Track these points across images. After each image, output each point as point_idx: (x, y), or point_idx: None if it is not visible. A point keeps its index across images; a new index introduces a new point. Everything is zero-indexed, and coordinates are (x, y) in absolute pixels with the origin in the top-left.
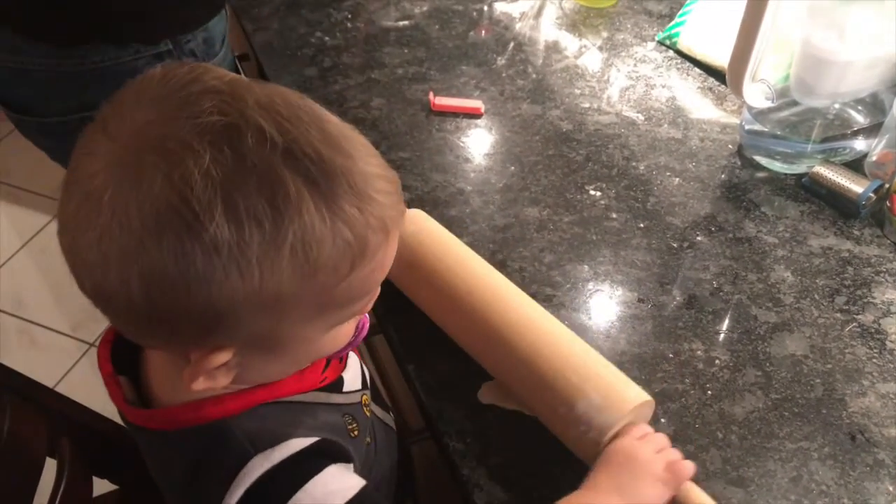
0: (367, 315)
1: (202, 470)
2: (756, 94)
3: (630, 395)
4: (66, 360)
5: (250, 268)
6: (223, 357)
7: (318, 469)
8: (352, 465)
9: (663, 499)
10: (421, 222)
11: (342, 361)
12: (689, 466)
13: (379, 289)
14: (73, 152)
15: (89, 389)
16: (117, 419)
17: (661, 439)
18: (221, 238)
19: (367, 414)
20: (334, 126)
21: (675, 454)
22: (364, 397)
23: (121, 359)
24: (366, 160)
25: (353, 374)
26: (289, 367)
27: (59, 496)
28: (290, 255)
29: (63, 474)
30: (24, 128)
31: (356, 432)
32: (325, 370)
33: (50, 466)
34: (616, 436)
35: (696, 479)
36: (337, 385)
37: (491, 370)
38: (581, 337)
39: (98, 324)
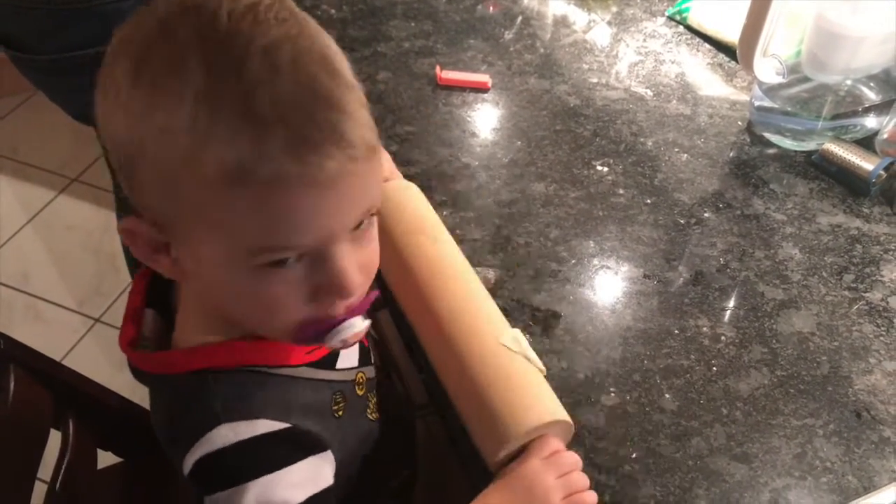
0: (357, 320)
1: (178, 417)
2: (767, 69)
3: (526, 419)
4: (71, 335)
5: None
6: (136, 224)
7: (281, 464)
8: (328, 453)
9: None
10: (405, 197)
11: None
12: (591, 498)
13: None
14: None
15: (95, 364)
16: (123, 392)
17: (569, 461)
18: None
19: (360, 393)
20: (335, 75)
21: (580, 482)
22: (359, 375)
23: (156, 299)
24: (346, 119)
25: (351, 350)
26: (231, 303)
27: (63, 468)
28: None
29: (68, 446)
30: (20, 64)
31: (341, 412)
32: None
33: (55, 438)
34: (521, 450)
35: (700, 456)
36: (329, 360)
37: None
38: (586, 312)
39: (104, 298)
